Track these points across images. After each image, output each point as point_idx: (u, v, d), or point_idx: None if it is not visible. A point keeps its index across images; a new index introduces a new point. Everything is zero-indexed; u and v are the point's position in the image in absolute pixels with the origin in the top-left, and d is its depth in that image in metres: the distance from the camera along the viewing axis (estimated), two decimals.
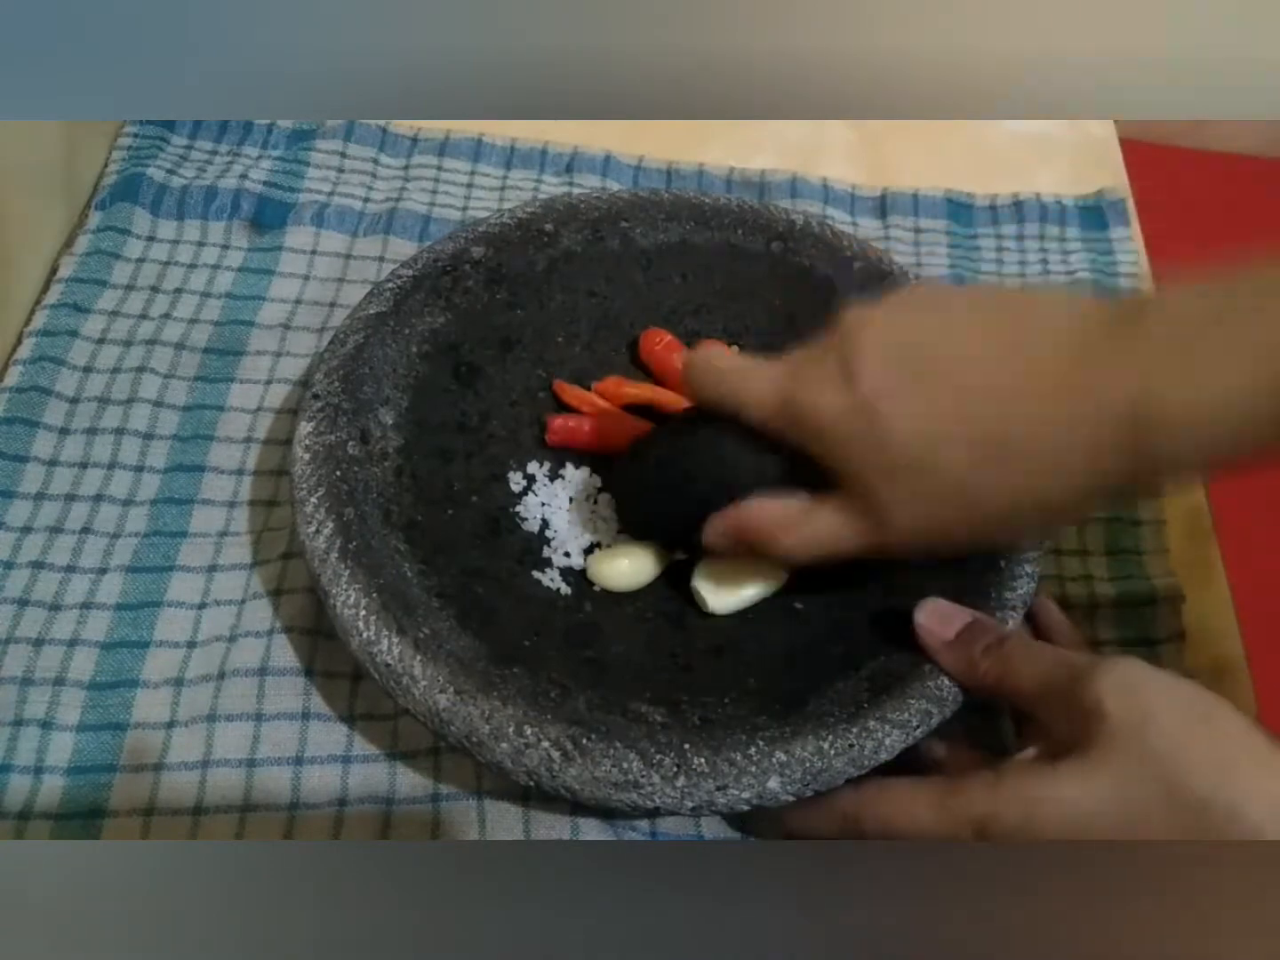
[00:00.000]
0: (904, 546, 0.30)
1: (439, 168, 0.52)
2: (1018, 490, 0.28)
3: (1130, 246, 0.53)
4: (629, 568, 0.37)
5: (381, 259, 0.47)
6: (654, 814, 0.34)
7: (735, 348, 0.43)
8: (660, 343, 0.42)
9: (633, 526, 0.38)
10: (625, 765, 0.28)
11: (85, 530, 0.38)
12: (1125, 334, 0.26)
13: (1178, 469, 0.27)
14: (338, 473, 0.34)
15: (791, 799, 0.29)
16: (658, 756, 0.28)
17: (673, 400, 0.41)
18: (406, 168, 0.52)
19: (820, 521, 0.31)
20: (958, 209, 0.54)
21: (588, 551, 0.38)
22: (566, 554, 0.38)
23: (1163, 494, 0.35)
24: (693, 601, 0.37)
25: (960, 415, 0.28)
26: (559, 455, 0.41)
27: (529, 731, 0.29)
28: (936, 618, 0.32)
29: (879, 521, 0.30)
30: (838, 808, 0.30)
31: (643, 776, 0.28)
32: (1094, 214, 0.54)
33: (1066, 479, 0.28)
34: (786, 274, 0.44)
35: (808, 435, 0.30)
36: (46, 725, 0.34)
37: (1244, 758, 0.26)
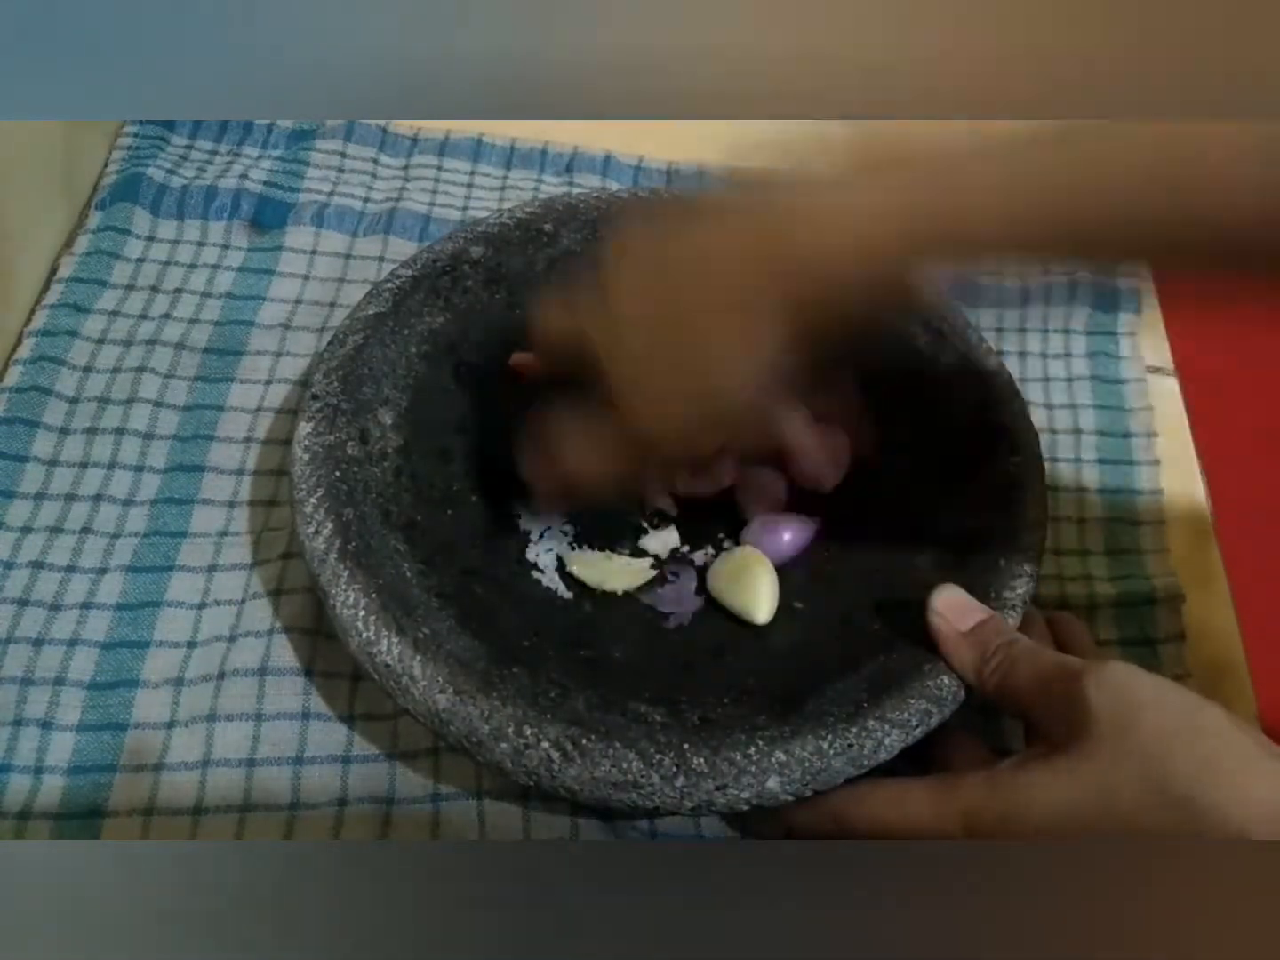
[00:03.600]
0: (646, 425, 0.32)
1: (439, 168, 0.52)
2: (699, 346, 0.30)
3: None
4: (617, 567, 0.37)
5: (381, 259, 0.47)
6: (654, 814, 0.34)
7: None
8: None
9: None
10: (625, 765, 0.28)
11: (85, 530, 0.38)
12: (780, 214, 0.30)
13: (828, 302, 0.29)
14: (337, 473, 0.34)
15: (791, 799, 0.29)
16: (657, 756, 0.28)
17: None
18: (406, 168, 0.52)
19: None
20: None
21: (573, 548, 0.38)
22: (548, 551, 0.38)
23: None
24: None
25: (657, 292, 0.30)
26: None
27: (528, 732, 0.29)
28: (952, 608, 0.32)
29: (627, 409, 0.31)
30: (834, 806, 0.30)
31: (642, 776, 0.28)
32: None
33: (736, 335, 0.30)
34: None
35: (590, 353, 0.32)
36: (46, 725, 0.34)
37: (1229, 759, 0.26)
